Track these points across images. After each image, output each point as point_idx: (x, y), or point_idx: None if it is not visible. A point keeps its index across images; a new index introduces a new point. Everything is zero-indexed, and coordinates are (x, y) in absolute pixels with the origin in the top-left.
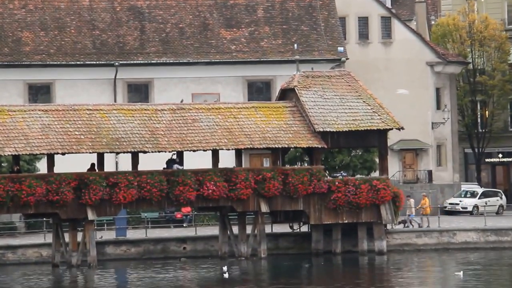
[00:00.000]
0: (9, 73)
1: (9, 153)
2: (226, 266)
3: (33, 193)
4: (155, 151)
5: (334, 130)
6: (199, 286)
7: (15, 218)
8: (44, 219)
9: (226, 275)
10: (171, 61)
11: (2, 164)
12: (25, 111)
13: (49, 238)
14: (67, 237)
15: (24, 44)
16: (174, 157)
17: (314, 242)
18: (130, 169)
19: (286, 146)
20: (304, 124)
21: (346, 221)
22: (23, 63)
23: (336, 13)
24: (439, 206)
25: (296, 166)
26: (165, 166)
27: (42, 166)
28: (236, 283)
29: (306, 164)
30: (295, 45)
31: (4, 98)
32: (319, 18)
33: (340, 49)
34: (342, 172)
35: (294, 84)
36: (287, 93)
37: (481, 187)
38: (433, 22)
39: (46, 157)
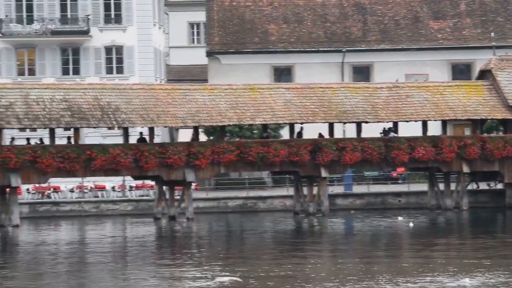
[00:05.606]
0: (258, 58)
1: (259, 123)
2: (401, 217)
3: (278, 155)
4: (375, 122)
5: None
6: (410, 234)
7: (264, 174)
8: (287, 175)
9: (411, 224)
10: (388, 47)
11: (254, 131)
12: (271, 88)
13: (291, 191)
14: (305, 190)
15: (270, 35)
16: (391, 126)
17: (508, 198)
18: (355, 136)
19: (484, 117)
20: (499, 100)
21: None
22: (270, 50)
23: None
24: None
25: (492, 134)
26: (382, 133)
27: (285, 133)
28: (439, 231)
29: (501, 133)
30: (492, 33)
31: (254, 78)
32: None
33: None
34: None
35: (491, 66)
36: (485, 74)
37: None
38: None
39: (288, 126)
